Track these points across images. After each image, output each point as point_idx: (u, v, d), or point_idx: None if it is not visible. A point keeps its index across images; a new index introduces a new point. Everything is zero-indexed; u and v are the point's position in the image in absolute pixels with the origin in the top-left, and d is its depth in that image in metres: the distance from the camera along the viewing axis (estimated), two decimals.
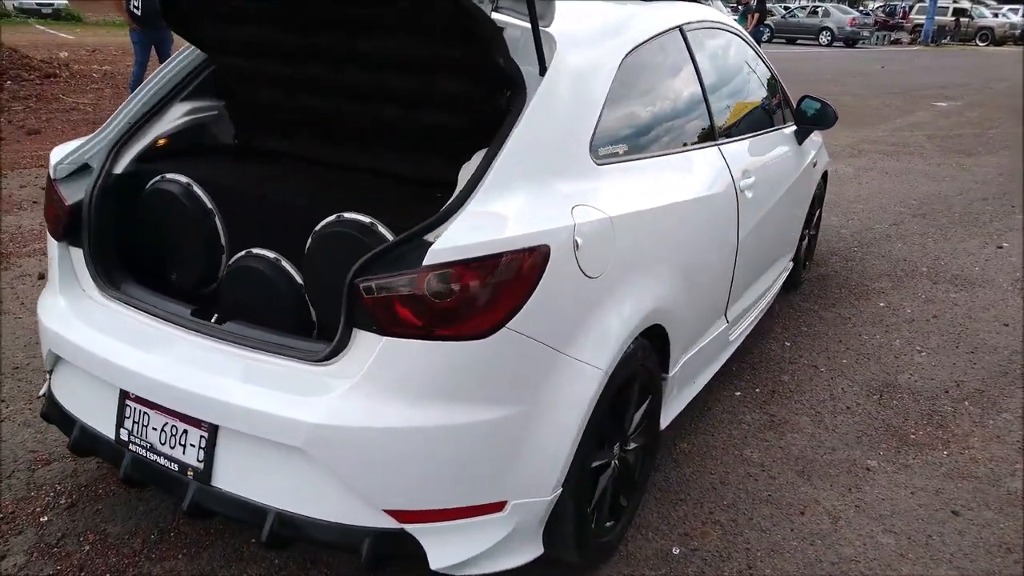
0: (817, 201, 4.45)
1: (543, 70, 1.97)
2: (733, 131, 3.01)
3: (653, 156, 2.39)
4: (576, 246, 1.86)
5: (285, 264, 2.14)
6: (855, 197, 6.73)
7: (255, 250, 2.17)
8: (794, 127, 3.73)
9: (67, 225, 2.24)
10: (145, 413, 2.01)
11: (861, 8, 39.17)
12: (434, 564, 1.82)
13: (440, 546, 1.83)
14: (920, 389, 3.45)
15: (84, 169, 2.33)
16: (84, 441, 2.16)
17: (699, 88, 2.75)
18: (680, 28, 2.72)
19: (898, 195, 6.86)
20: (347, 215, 2.01)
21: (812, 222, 4.50)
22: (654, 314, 2.22)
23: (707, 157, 2.69)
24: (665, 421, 2.61)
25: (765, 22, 18.08)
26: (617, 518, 2.36)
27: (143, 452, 2.01)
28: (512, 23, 2.02)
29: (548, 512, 1.96)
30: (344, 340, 1.78)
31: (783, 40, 30.02)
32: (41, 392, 2.42)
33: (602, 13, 2.43)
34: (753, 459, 2.88)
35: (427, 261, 1.67)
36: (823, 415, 3.20)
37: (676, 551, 2.39)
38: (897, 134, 9.98)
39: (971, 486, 2.76)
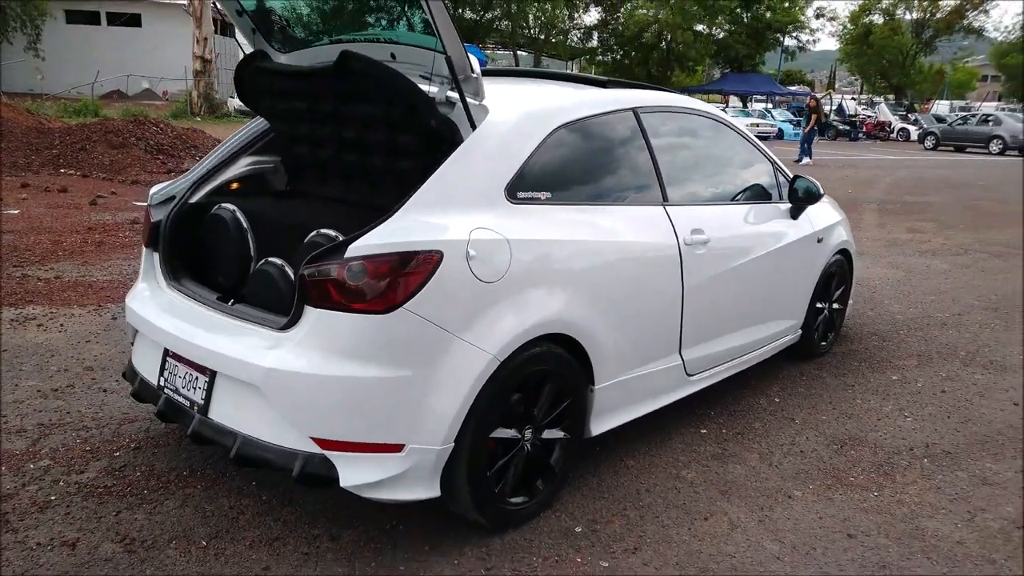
0: (835, 276, 4.75)
1: (473, 128, 2.69)
2: (689, 197, 3.54)
3: (579, 205, 2.99)
4: (468, 256, 2.49)
5: (287, 269, 2.92)
6: (931, 289, 6.75)
7: (270, 259, 2.97)
8: (788, 204, 4.17)
9: (151, 236, 3.17)
10: (176, 365, 2.82)
11: None
12: (343, 483, 2.44)
13: (349, 471, 2.45)
14: (885, 445, 3.65)
15: (171, 199, 3.27)
16: (141, 389, 3.01)
17: (649, 158, 3.32)
18: (634, 110, 3.34)
19: (981, 290, 6.79)
20: (323, 231, 2.79)
21: (831, 296, 4.78)
22: (557, 324, 2.77)
23: (647, 213, 3.24)
24: (596, 429, 3.09)
25: (822, 122, 23.97)
26: (531, 496, 2.86)
27: (171, 393, 2.81)
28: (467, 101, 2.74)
29: (441, 461, 2.52)
30: (297, 313, 2.50)
31: (951, 148, 29.09)
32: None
33: (542, 95, 3.13)
34: (687, 478, 3.25)
35: (346, 255, 2.38)
36: (774, 454, 3.51)
37: (578, 530, 2.84)
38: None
39: (881, 519, 2.99)
